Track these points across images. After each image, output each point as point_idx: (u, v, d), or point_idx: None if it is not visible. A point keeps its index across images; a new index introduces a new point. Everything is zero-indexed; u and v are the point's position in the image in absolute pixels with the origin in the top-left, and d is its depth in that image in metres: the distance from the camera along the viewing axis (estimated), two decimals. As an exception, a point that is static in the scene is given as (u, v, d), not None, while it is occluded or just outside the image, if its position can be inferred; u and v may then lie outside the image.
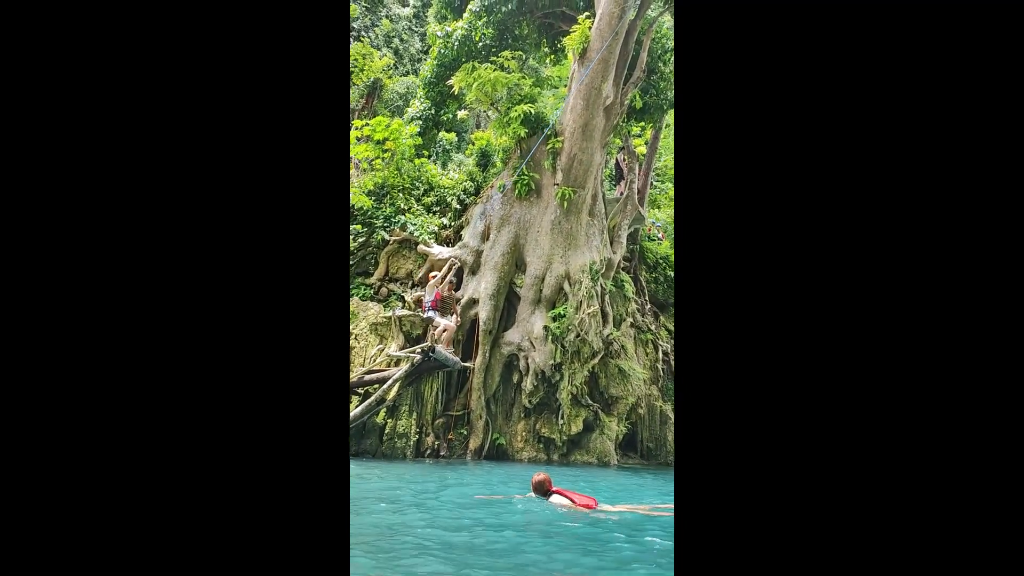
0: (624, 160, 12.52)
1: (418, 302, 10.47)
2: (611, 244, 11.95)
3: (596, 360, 11.09)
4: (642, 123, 12.62)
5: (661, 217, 16.23)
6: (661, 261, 13.90)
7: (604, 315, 11.40)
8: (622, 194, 12.24)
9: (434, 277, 10.14)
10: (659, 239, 15.02)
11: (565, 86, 12.45)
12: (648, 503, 5.46)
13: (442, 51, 12.15)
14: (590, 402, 11.08)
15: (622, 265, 12.66)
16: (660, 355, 12.80)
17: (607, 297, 11.55)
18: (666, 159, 20.92)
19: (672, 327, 13.36)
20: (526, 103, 11.01)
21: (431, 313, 9.85)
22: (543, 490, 4.82)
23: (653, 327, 13.06)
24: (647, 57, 11.50)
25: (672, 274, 13.79)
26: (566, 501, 4.72)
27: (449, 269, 10.72)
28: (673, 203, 16.99)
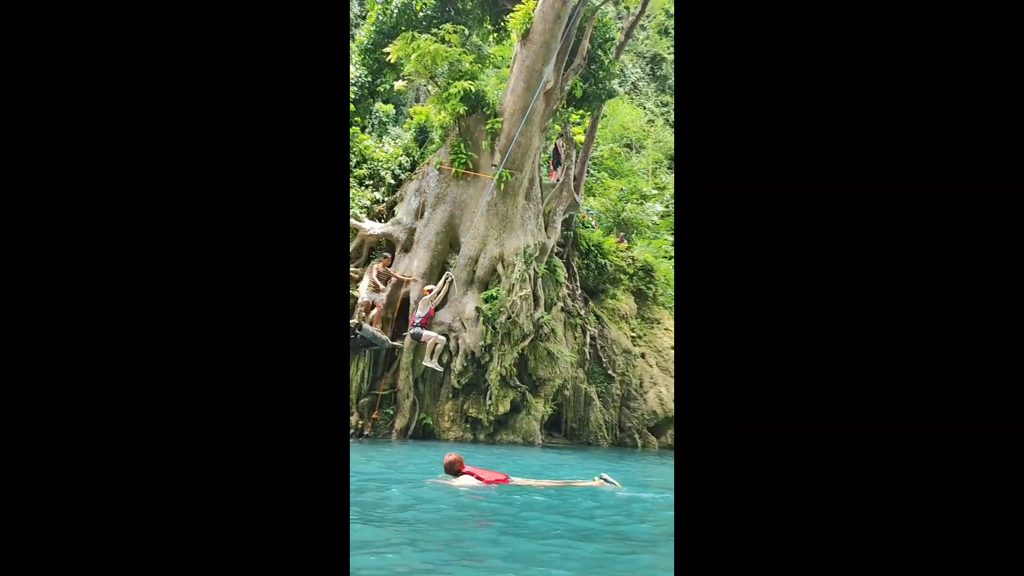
0: (562, 146, 12.64)
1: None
2: (546, 229, 12.09)
3: (526, 343, 11.25)
4: (581, 111, 12.76)
5: (595, 205, 16.59)
6: (593, 248, 14.24)
7: (536, 299, 11.56)
8: (558, 180, 12.37)
9: (429, 291, 9.17)
10: (592, 226, 15.37)
11: (508, 66, 12.33)
12: (563, 479, 5.66)
13: (381, 17, 11.66)
14: (518, 383, 11.26)
15: (555, 250, 12.85)
16: (588, 339, 13.18)
17: (539, 281, 11.70)
18: (603, 149, 21.34)
19: (600, 313, 13.77)
20: (467, 80, 10.81)
21: (417, 329, 8.88)
22: (454, 470, 4.86)
23: (583, 312, 13.41)
24: (588, 45, 11.59)
25: (602, 260, 14.17)
26: (474, 481, 4.80)
27: (445, 282, 9.63)
28: (608, 192, 17.41)
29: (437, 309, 10.08)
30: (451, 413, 10.81)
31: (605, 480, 5.19)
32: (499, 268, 11.17)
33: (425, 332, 9.05)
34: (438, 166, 11.38)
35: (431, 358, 9.14)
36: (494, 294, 10.90)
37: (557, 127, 12.79)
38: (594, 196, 17.74)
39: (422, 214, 11.33)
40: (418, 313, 8.94)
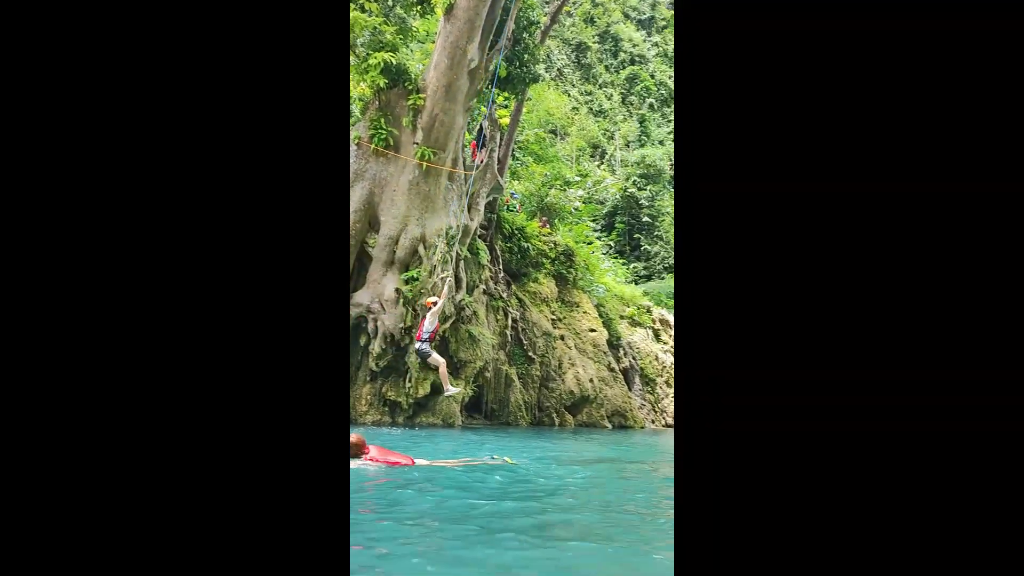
0: (487, 128, 12.55)
1: None
2: (469, 211, 12.00)
3: (447, 325, 11.18)
4: (506, 93, 12.71)
5: (519, 189, 16.69)
6: (516, 232, 14.34)
7: (458, 280, 11.48)
8: (482, 162, 12.29)
9: (434, 304, 7.81)
10: (516, 210, 15.46)
11: (432, 41, 11.98)
12: (480, 457, 5.72)
13: (295, -22, 10.87)
14: (439, 366, 11.18)
15: (478, 232, 12.82)
16: (509, 322, 13.33)
17: (462, 263, 11.63)
18: (528, 133, 21.45)
19: (522, 296, 13.95)
20: (387, 51, 10.40)
21: (424, 346, 7.50)
22: (354, 453, 4.76)
23: (505, 295, 13.51)
24: (514, 26, 11.52)
25: (525, 244, 14.33)
26: (373, 466, 4.74)
27: (444, 289, 8.48)
28: (532, 177, 17.56)
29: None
30: (368, 396, 10.56)
31: (505, 461, 5.34)
32: (420, 249, 10.96)
33: (436, 356, 7.74)
34: (356, 141, 10.91)
35: (449, 384, 7.96)
36: (415, 275, 10.70)
37: (483, 108, 12.66)
38: (518, 180, 17.84)
39: (339, 191, 10.82)
40: (425, 327, 7.70)
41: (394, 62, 10.42)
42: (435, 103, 10.63)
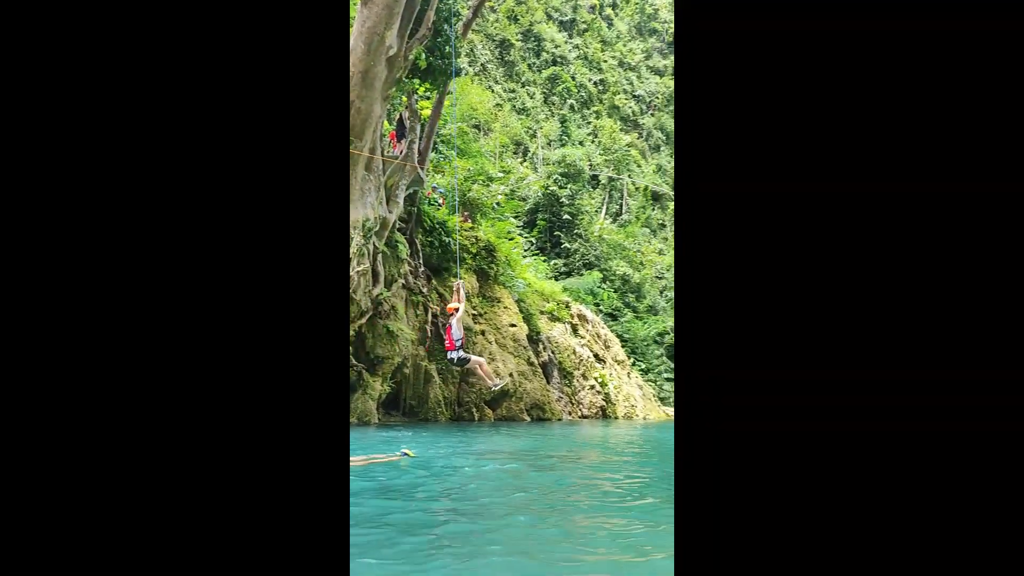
0: (407, 118, 12.27)
1: None
2: (387, 203, 11.69)
3: (364, 320, 10.85)
4: (427, 84, 12.48)
5: (442, 183, 16.50)
6: (438, 226, 14.17)
7: (375, 274, 11.16)
8: (401, 152, 12.01)
9: (456, 310, 7.35)
10: (439, 204, 15.27)
11: (350, 27, 11.50)
12: (392, 454, 5.61)
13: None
14: (354, 362, 10.83)
15: (398, 226, 12.52)
16: (429, 317, 13.16)
17: (379, 257, 11.32)
18: (451, 127, 21.27)
19: (443, 291, 13.82)
20: (299, 33, 9.84)
21: (458, 353, 7.10)
22: None
23: (425, 290, 13.32)
24: (434, 16, 11.34)
25: (447, 239, 14.20)
26: None
27: (459, 293, 7.89)
28: (455, 171, 17.43)
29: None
30: (278, 396, 10.02)
31: (405, 454, 5.31)
32: (335, 241, 10.52)
33: (474, 357, 7.51)
34: (265, 125, 10.25)
35: (495, 377, 7.77)
36: (329, 269, 10.27)
37: (405, 99, 12.36)
38: (441, 174, 17.63)
39: (245, 177, 10.14)
40: (454, 335, 7.31)
41: (307, 43, 9.89)
42: (351, 90, 10.22)
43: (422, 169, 13.14)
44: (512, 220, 20.38)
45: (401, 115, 12.36)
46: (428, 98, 13.61)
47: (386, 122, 13.60)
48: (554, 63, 33.11)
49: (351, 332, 10.58)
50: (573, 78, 33.12)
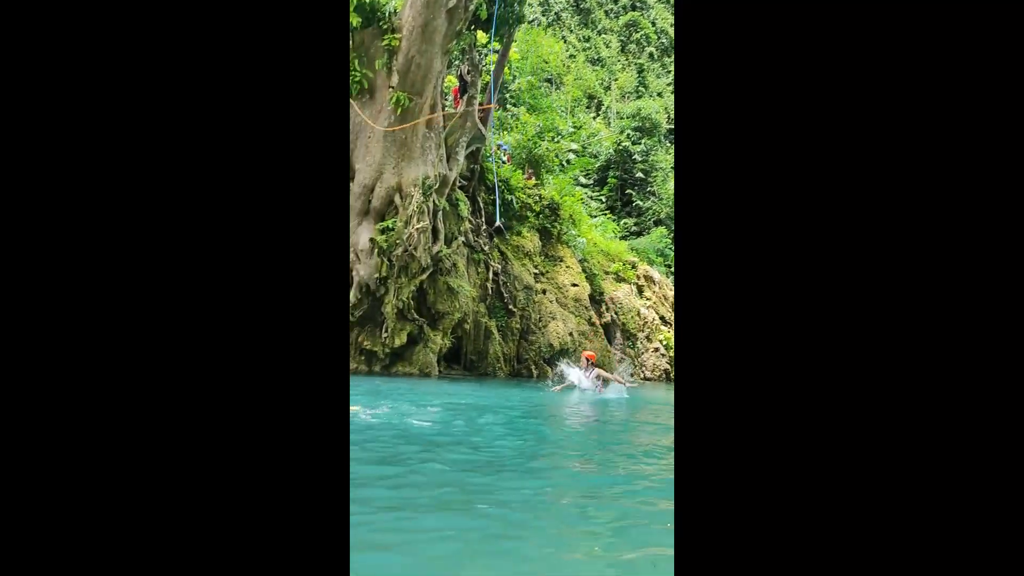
0: (468, 73, 12.07)
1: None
2: (448, 160, 11.72)
3: (424, 276, 11.14)
4: (489, 35, 12.15)
5: (510, 140, 16.26)
6: (502, 184, 14.07)
7: (435, 232, 11.35)
8: (463, 108, 11.91)
9: (590, 358, 8.21)
10: (504, 162, 15.12)
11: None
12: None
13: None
14: (416, 317, 11.22)
15: (459, 183, 12.57)
16: (491, 275, 13.28)
17: (440, 214, 11.46)
18: (520, 81, 20.72)
19: (504, 249, 13.84)
20: (360, -12, 9.86)
21: (596, 390, 7.91)
22: None
23: (487, 248, 13.40)
24: (496, -39, 10.89)
25: (509, 197, 14.08)
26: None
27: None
28: (523, 127, 17.09)
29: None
30: (345, 346, 10.64)
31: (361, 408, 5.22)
32: (396, 199, 10.77)
33: (611, 382, 8.21)
34: (329, 84, 10.49)
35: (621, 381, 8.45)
36: (390, 225, 10.56)
37: (465, 52, 12.14)
38: (508, 131, 17.36)
39: (311, 136, 10.52)
40: (587, 384, 8.32)
41: (367, -1, 9.91)
42: (411, 44, 10.18)
43: (484, 126, 13.00)
44: (578, 176, 19.80)
45: (461, 70, 12.17)
46: (495, 52, 13.26)
47: (451, 76, 13.49)
48: (633, 8, 31.03)
49: (412, 288, 10.93)
50: (652, 24, 30.94)
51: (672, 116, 27.86)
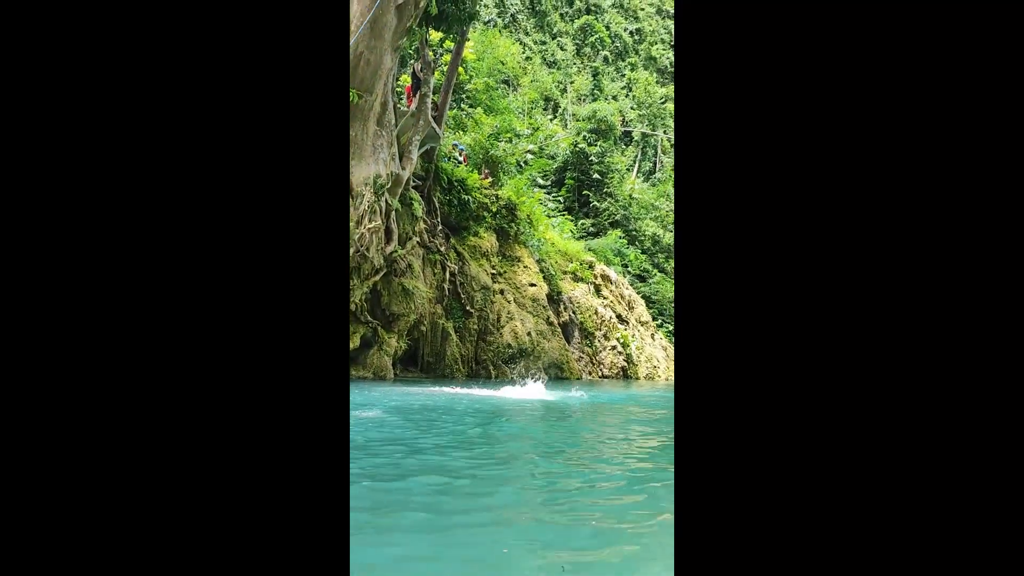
0: (420, 70, 11.91)
1: None
2: (400, 159, 11.52)
3: (378, 277, 10.89)
4: (442, 32, 12.04)
5: (467, 141, 16.14)
6: (456, 184, 13.94)
7: (388, 232, 11.13)
8: (415, 107, 11.74)
9: None
10: (460, 161, 14.99)
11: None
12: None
13: None
14: (370, 319, 10.95)
15: (413, 183, 12.37)
16: (447, 275, 13.13)
17: (393, 214, 11.24)
18: (477, 82, 20.66)
19: (461, 250, 13.72)
20: (304, -20, 9.55)
21: None
22: None
23: (443, 248, 13.24)
24: (446, -42, 10.81)
25: (466, 197, 13.98)
26: None
27: None
28: (479, 128, 17.01)
29: None
30: (294, 350, 10.27)
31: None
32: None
33: None
34: (274, 79, 10.14)
35: None
36: (341, 226, 10.28)
37: (419, 49, 11.97)
38: (464, 131, 17.24)
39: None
40: None
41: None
42: (360, 40, 9.94)
43: (439, 125, 12.85)
44: (535, 177, 19.88)
45: (415, 67, 12.00)
46: (448, 51, 13.12)
47: (406, 75, 13.27)
48: (587, 11, 31.50)
49: (364, 289, 10.67)
50: (607, 28, 31.48)
51: (626, 119, 28.39)
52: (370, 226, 10.40)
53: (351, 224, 10.26)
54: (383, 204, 10.83)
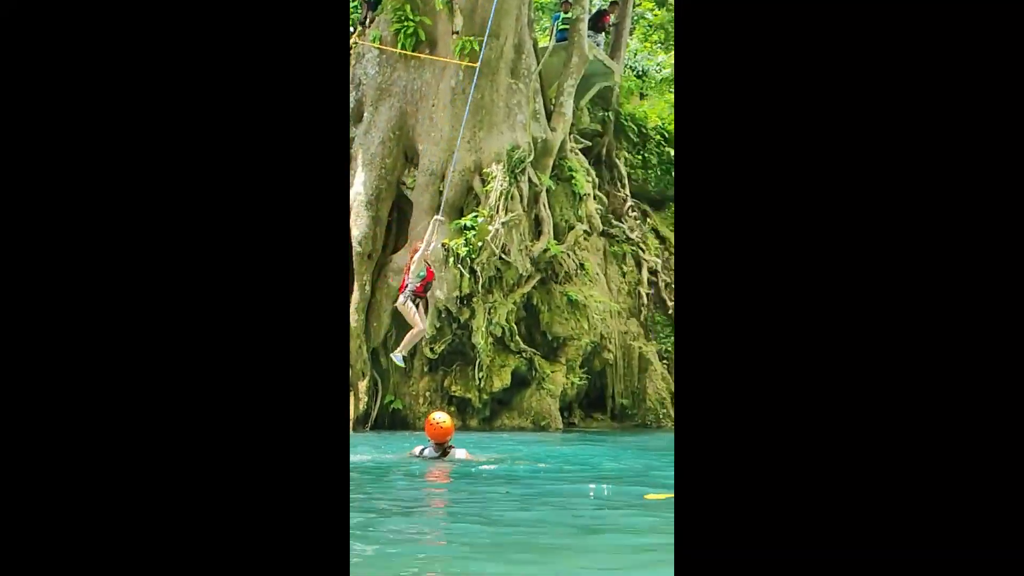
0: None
1: None
2: (548, 117, 8.10)
3: (527, 287, 7.78)
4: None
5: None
6: (653, 132, 9.72)
7: (538, 222, 7.89)
8: (555, 37, 8.15)
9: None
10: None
11: None
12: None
13: None
14: (523, 346, 7.90)
15: (578, 145, 8.78)
16: (645, 274, 9.14)
17: (543, 196, 7.93)
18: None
19: (665, 233, 9.50)
20: None
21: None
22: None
23: (635, 233, 9.29)
24: None
25: (671, 151, 9.63)
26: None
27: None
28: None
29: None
30: (428, 393, 7.94)
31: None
32: (476, 183, 7.66)
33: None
34: (376, 42, 7.92)
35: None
36: (471, 223, 7.48)
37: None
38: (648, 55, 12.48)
39: (360, 117, 8.07)
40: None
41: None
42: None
43: (615, 59, 8.94)
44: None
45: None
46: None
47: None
48: None
49: (510, 306, 7.67)
50: None
51: None
52: (504, 220, 7.32)
53: (483, 219, 7.37)
54: (525, 184, 7.60)
